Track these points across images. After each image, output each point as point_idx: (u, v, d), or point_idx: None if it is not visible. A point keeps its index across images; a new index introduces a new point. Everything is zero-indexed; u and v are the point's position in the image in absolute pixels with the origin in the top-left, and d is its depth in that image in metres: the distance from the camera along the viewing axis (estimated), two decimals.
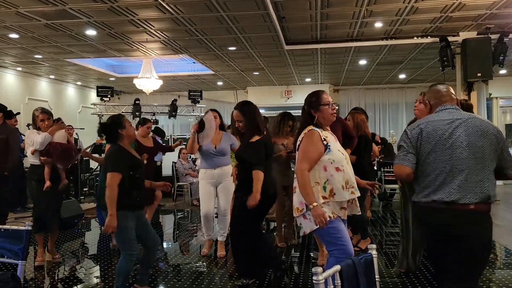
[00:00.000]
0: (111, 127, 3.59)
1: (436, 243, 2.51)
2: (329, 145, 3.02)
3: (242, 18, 6.86)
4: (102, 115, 11.52)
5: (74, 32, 7.51)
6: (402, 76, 12.76)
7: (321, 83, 13.74)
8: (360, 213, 3.21)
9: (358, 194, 3.06)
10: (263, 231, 5.93)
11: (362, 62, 10.59)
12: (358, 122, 5.22)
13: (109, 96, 11.48)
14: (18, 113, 7.34)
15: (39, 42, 8.19)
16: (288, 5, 6.48)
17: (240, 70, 11.39)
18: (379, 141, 8.42)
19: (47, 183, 4.78)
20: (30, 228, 2.80)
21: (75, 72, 11.65)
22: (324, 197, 2.94)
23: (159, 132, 8.76)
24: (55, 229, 5.18)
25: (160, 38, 8.04)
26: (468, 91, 8.31)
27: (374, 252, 2.02)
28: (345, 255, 2.92)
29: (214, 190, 5.09)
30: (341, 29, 7.88)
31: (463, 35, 8.02)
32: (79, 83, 13.48)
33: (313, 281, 1.69)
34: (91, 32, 7.53)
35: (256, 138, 3.92)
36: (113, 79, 12.41)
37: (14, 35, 7.66)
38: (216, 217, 5.46)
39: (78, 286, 4.46)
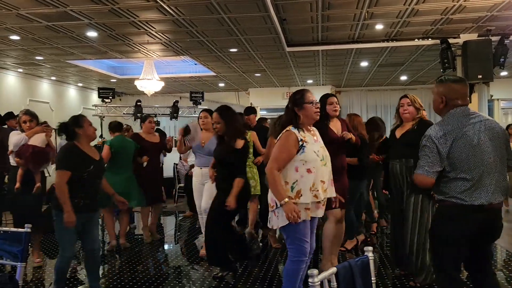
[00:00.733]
0: (68, 126, 3.65)
1: (469, 237, 2.69)
2: (304, 146, 3.07)
3: (243, 20, 6.86)
4: (104, 117, 11.54)
5: (75, 33, 7.52)
6: (403, 77, 12.75)
7: (322, 85, 13.74)
8: (321, 215, 3.28)
9: (320, 198, 3.12)
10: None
11: (364, 64, 10.58)
12: (355, 124, 5.34)
13: (110, 97, 11.49)
14: (17, 115, 7.34)
15: (40, 44, 8.21)
16: (289, 7, 6.48)
17: (241, 72, 11.40)
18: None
19: (17, 185, 4.76)
20: (29, 230, 2.81)
21: (76, 74, 11.67)
22: (289, 197, 3.02)
23: (160, 133, 8.76)
24: (37, 232, 5.02)
25: (161, 40, 8.05)
26: (469, 93, 8.30)
27: (370, 255, 2.02)
28: (299, 254, 3.12)
29: (203, 188, 5.13)
30: (342, 31, 7.88)
31: (464, 37, 8.00)
32: (80, 84, 13.50)
33: (309, 283, 1.69)
34: (92, 34, 7.54)
35: (241, 143, 4.20)
36: (115, 80, 12.43)
37: (15, 37, 7.68)
38: None
39: (77, 287, 4.47)
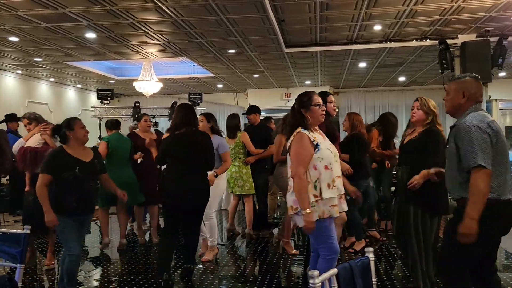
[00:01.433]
0: (60, 129, 3.72)
1: (498, 233, 2.77)
2: (318, 144, 3.13)
3: (241, 21, 6.86)
4: (102, 118, 11.52)
5: (74, 35, 7.52)
6: (401, 78, 12.77)
7: (321, 86, 13.76)
8: (345, 210, 3.29)
9: (342, 191, 3.19)
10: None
11: (362, 64, 10.59)
12: (354, 122, 5.40)
13: (109, 98, 11.46)
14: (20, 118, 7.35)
15: (39, 45, 8.20)
16: (288, 8, 6.48)
17: (240, 73, 11.40)
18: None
19: (27, 188, 4.84)
20: (28, 231, 2.81)
21: (75, 75, 11.66)
22: (315, 195, 3.07)
23: (159, 134, 8.75)
24: (36, 233, 4.92)
25: (160, 41, 8.05)
26: None
27: (371, 256, 2.02)
28: (332, 252, 3.14)
29: None
30: (341, 32, 7.89)
31: (462, 38, 8.02)
32: (79, 85, 13.48)
33: (310, 284, 1.69)
34: (90, 35, 7.53)
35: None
36: (113, 81, 12.42)
37: (14, 38, 7.67)
38: None
39: None
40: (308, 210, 2.99)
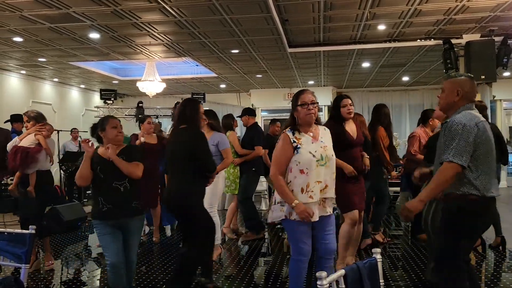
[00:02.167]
0: (96, 129, 3.54)
1: (481, 227, 2.98)
2: (298, 147, 3.10)
3: (245, 21, 6.86)
4: None
5: (78, 35, 7.53)
6: (405, 78, 12.73)
7: (324, 86, 13.73)
8: (329, 213, 3.22)
9: (316, 199, 3.08)
10: None
11: (365, 64, 10.56)
12: (357, 123, 5.30)
13: (112, 99, 11.50)
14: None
15: (43, 46, 8.22)
16: (291, 8, 6.47)
17: (243, 73, 11.39)
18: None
19: (29, 187, 4.75)
20: (33, 231, 2.81)
21: (78, 75, 11.67)
22: None
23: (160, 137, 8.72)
24: (40, 235, 4.86)
25: (163, 41, 8.05)
26: None
27: (378, 256, 2.01)
28: (298, 254, 3.16)
29: None
30: (344, 32, 7.87)
31: (467, 38, 7.98)
32: (82, 86, 13.50)
33: (317, 286, 1.68)
34: (94, 35, 7.54)
35: None
36: (117, 82, 12.43)
37: (18, 39, 7.68)
38: None
39: None
40: (296, 201, 3.03)
